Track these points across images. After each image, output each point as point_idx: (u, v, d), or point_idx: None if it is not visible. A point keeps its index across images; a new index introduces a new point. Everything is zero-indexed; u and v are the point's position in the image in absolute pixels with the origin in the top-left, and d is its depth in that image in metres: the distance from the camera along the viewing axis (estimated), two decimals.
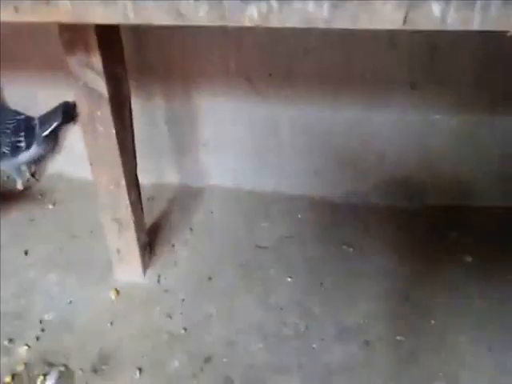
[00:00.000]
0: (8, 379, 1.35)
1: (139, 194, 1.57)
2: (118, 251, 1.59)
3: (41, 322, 1.52)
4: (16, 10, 0.94)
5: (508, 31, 0.73)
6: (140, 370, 1.38)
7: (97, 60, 1.23)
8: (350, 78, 1.71)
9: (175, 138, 1.99)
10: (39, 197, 2.05)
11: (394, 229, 1.82)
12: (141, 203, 1.59)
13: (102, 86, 1.27)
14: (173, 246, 1.79)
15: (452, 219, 1.85)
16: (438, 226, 1.83)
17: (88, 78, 1.27)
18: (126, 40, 1.36)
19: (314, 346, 1.45)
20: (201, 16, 0.84)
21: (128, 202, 1.48)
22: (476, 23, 0.73)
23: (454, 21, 0.73)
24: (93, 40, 1.19)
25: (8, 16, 0.95)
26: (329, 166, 1.92)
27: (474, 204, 1.89)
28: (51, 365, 1.39)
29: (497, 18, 0.72)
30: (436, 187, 1.89)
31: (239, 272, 1.69)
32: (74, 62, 1.24)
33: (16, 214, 1.95)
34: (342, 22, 0.77)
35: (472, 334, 1.47)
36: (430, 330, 1.49)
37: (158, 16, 0.87)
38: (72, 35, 1.20)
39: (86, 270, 1.68)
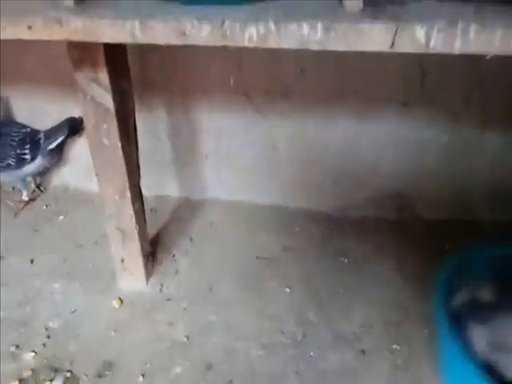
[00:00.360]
0: None
1: (143, 204, 1.62)
2: (122, 260, 1.63)
3: (46, 329, 1.56)
4: (29, 27, 1.00)
5: (487, 55, 0.79)
6: (143, 375, 1.42)
7: (104, 76, 1.29)
8: (343, 95, 1.77)
9: (176, 152, 2.04)
10: (44, 208, 2.10)
11: (389, 240, 1.87)
12: (144, 214, 1.64)
13: (108, 100, 1.33)
14: (174, 256, 1.83)
15: (444, 232, 1.88)
16: (430, 238, 1.87)
17: (95, 93, 1.32)
18: (130, 57, 1.41)
19: (312, 353, 1.48)
20: (203, 36, 0.91)
21: (132, 212, 1.53)
22: (457, 47, 0.80)
23: (437, 44, 0.80)
24: (100, 57, 1.25)
25: (21, 33, 1.02)
26: (325, 180, 1.97)
27: (465, 217, 1.93)
28: (57, 370, 1.43)
29: (476, 42, 0.79)
30: (428, 200, 1.94)
31: (239, 282, 1.73)
32: (81, 77, 1.30)
33: (21, 225, 1.99)
34: (335, 44, 0.84)
35: None
36: (424, 338, 1.52)
37: (163, 36, 0.94)
38: (81, 52, 1.26)
39: (90, 279, 1.72)
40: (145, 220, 1.65)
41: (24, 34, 1.01)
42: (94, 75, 1.29)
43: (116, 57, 1.32)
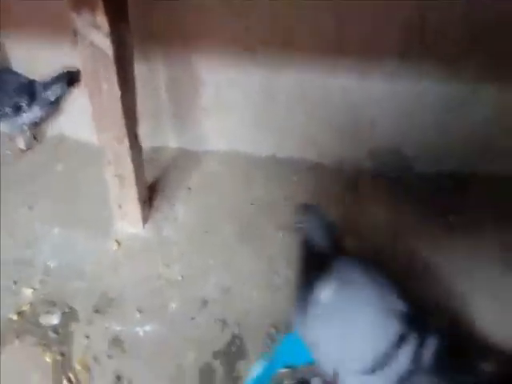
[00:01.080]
0: (15, 317, 1.47)
1: (141, 151, 1.65)
2: (120, 206, 1.68)
3: (45, 268, 1.62)
4: None
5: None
6: (140, 311, 1.50)
7: (103, 20, 1.29)
8: (342, 47, 1.78)
9: (175, 103, 2.06)
10: (41, 157, 2.12)
11: (383, 191, 1.93)
12: (142, 161, 1.67)
13: (107, 45, 1.34)
14: (173, 204, 1.88)
15: (438, 184, 1.96)
16: (425, 190, 1.94)
17: (94, 38, 1.33)
18: (130, 7, 1.40)
19: None
20: None
21: (130, 158, 1.57)
22: None
23: None
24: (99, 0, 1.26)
25: None
26: (323, 132, 2.01)
27: (462, 170, 1.98)
28: (56, 305, 1.50)
29: None
30: (425, 154, 1.98)
31: (235, 228, 1.79)
32: (80, 21, 1.31)
33: (20, 173, 2.02)
34: None
35: None
36: None
37: None
38: None
39: (89, 224, 1.78)
40: (143, 167, 1.69)
41: None
42: (93, 19, 1.30)
43: (115, 1, 1.32)
